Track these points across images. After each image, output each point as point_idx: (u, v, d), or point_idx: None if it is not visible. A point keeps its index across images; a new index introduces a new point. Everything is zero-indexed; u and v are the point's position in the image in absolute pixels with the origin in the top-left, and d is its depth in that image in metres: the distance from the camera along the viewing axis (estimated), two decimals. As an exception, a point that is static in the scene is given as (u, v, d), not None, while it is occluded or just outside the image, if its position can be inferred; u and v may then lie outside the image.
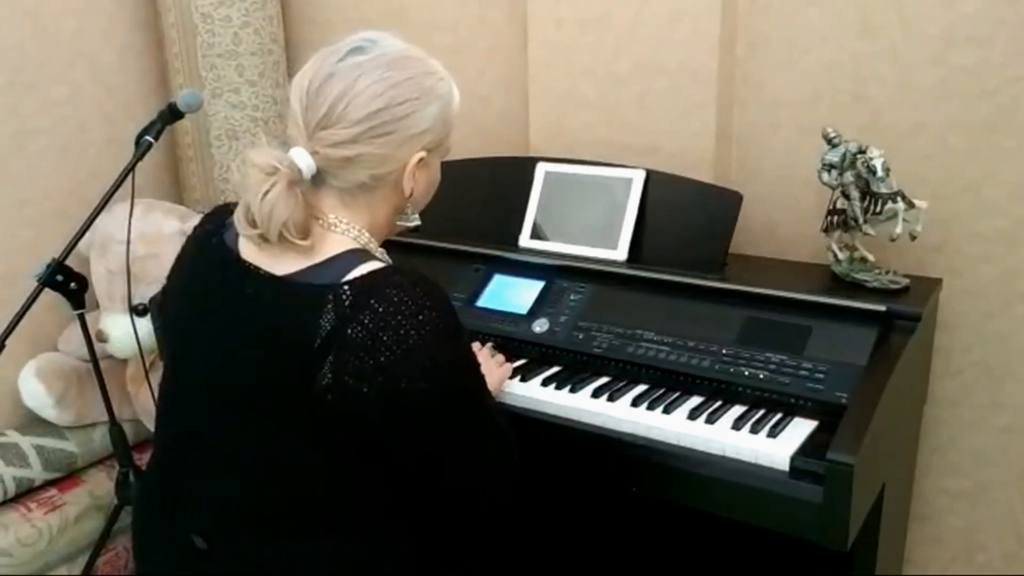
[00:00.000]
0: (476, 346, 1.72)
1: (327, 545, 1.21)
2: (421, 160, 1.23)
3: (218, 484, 1.23)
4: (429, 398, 1.14)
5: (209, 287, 1.25)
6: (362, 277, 1.14)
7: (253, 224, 1.16)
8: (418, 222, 1.32)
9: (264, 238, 1.16)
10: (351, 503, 1.21)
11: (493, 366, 1.65)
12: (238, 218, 1.18)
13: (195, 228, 1.33)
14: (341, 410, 1.12)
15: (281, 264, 1.18)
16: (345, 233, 1.21)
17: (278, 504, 1.20)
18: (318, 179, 1.20)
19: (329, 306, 1.12)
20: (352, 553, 1.23)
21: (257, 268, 1.19)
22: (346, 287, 1.13)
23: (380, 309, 1.11)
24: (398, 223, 1.30)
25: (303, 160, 1.17)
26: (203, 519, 1.24)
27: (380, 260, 1.21)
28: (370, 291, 1.12)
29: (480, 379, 1.25)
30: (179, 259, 1.33)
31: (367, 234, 1.24)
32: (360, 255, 1.19)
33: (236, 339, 1.19)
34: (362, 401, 1.11)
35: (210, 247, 1.27)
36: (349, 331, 1.10)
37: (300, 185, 1.17)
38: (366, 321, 1.10)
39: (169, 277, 1.35)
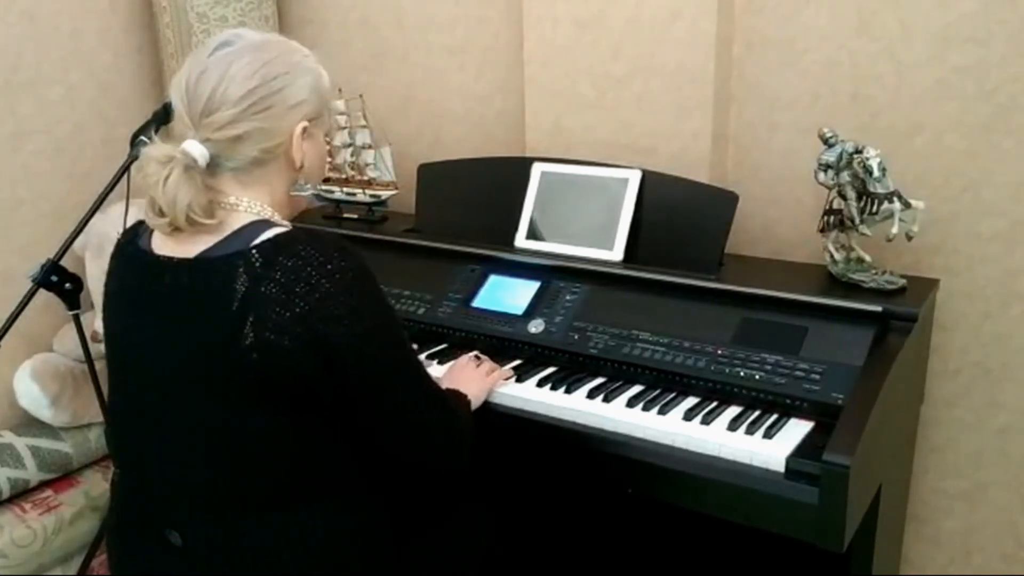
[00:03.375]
0: (464, 360, 1.73)
1: (296, 517, 1.26)
2: (305, 130, 1.30)
3: (180, 477, 1.27)
4: (348, 341, 1.20)
5: (132, 290, 1.32)
6: (269, 239, 1.22)
7: (160, 213, 1.22)
8: (311, 191, 1.41)
9: (173, 225, 1.22)
10: (303, 471, 1.26)
11: (478, 376, 1.66)
12: (146, 213, 1.25)
13: (114, 247, 1.39)
14: (268, 368, 1.18)
15: (191, 248, 1.25)
16: (248, 210, 1.28)
17: (238, 481, 1.24)
18: (213, 165, 1.26)
19: (241, 270, 1.19)
20: (316, 526, 1.27)
21: (170, 258, 1.26)
22: (254, 250, 1.21)
23: (290, 264, 1.18)
24: (292, 193, 1.37)
25: (196, 149, 1.23)
26: (175, 515, 1.28)
27: (283, 226, 1.29)
28: (278, 249, 1.20)
29: (398, 328, 1.31)
30: (107, 278, 1.39)
31: (269, 209, 1.30)
32: (263, 224, 1.26)
33: (165, 329, 1.25)
34: (286, 355, 1.17)
35: (126, 255, 1.34)
36: (263, 289, 1.17)
37: (199, 174, 1.23)
38: (278, 277, 1.18)
39: (103, 296, 1.40)
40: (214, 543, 1.26)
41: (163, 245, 1.27)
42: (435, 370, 1.74)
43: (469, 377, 1.65)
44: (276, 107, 1.25)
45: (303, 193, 1.39)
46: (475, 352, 1.77)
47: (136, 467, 1.35)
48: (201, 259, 1.23)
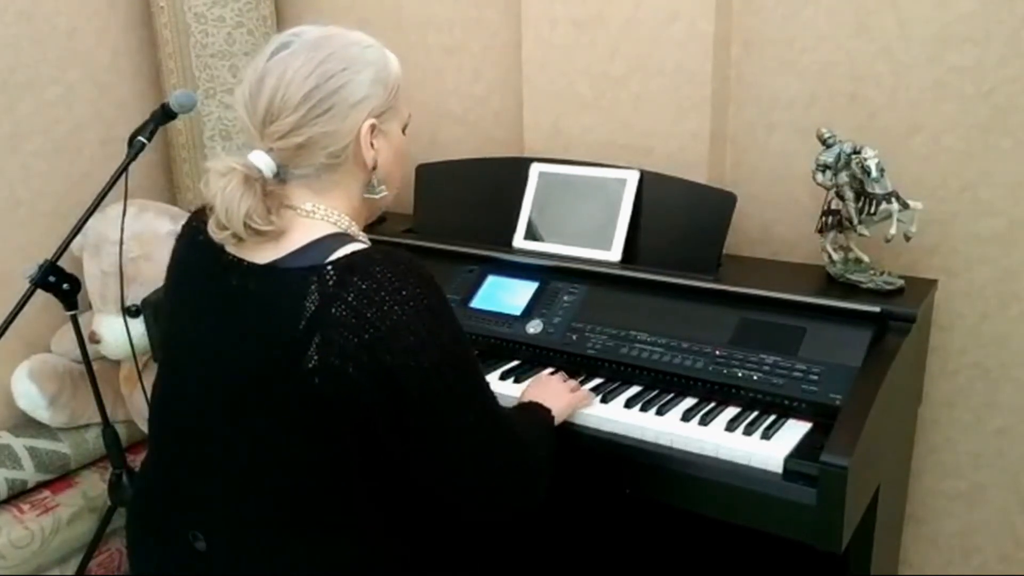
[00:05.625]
0: (546, 373, 1.68)
1: (325, 545, 1.21)
2: (374, 128, 1.23)
3: (215, 483, 1.23)
4: (414, 374, 1.12)
5: (198, 284, 1.27)
6: (345, 257, 1.15)
7: (223, 227, 1.18)
8: (385, 193, 1.30)
9: (236, 236, 1.17)
10: (345, 500, 1.20)
11: (563, 390, 1.58)
12: (211, 226, 1.20)
13: (183, 227, 1.34)
14: (329, 394, 1.12)
15: (264, 253, 1.20)
16: (325, 219, 1.22)
17: (274, 501, 1.20)
18: (283, 174, 1.22)
19: (313, 287, 1.13)
20: (349, 553, 1.22)
21: (241, 260, 1.21)
22: (329, 267, 1.14)
23: (363, 286, 1.11)
24: (365, 196, 1.28)
25: (261, 160, 1.19)
26: (203, 519, 1.24)
27: (362, 242, 1.22)
28: (353, 269, 1.13)
29: (471, 362, 1.23)
30: (172, 258, 1.34)
31: (346, 218, 1.25)
32: (342, 238, 1.20)
33: (226, 333, 1.20)
34: (349, 383, 1.11)
35: (196, 245, 1.28)
36: (333, 310, 1.11)
37: (262, 182, 1.18)
38: (350, 299, 1.11)
39: (165, 280, 1.36)
40: (236, 557, 1.22)
41: (234, 245, 1.21)
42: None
43: (556, 391, 1.56)
44: (337, 107, 1.18)
45: (375, 196, 1.27)
46: (552, 369, 1.74)
47: (170, 462, 1.31)
48: (273, 268, 1.18)
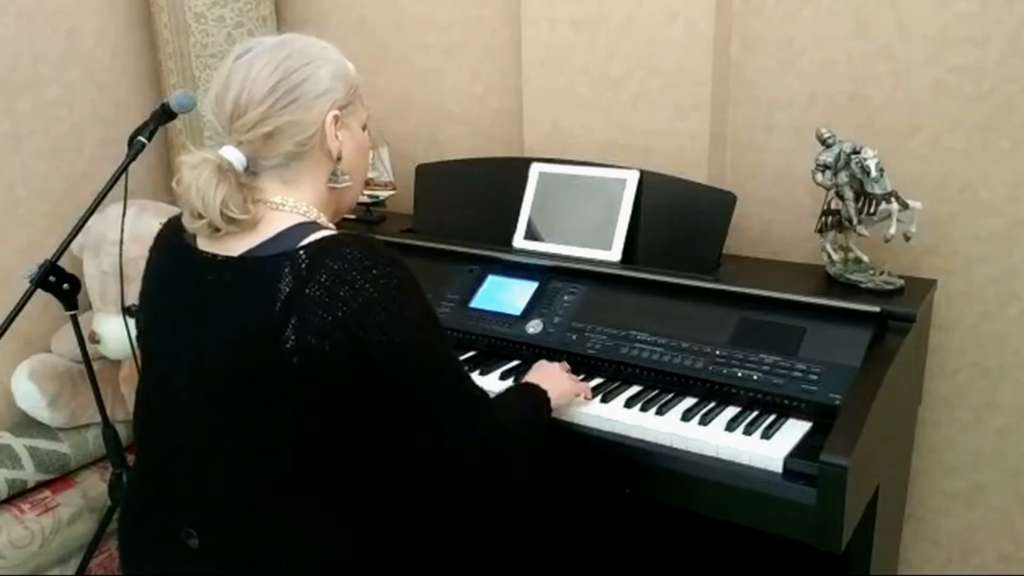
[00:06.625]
0: (554, 365, 1.66)
1: (318, 540, 1.22)
2: (337, 119, 1.29)
3: (205, 478, 1.24)
4: (386, 350, 1.17)
5: (174, 285, 1.30)
6: (317, 241, 1.20)
7: (198, 216, 1.21)
8: (349, 183, 1.35)
9: (212, 226, 1.21)
10: (337, 493, 1.23)
11: (563, 377, 1.61)
12: (185, 219, 1.24)
13: (155, 238, 1.38)
14: (308, 375, 1.16)
15: (236, 246, 1.23)
16: (293, 210, 1.26)
17: (264, 494, 1.21)
18: (253, 167, 1.26)
19: (286, 270, 1.17)
20: (343, 548, 1.24)
21: (214, 255, 1.24)
22: (301, 251, 1.19)
23: (335, 267, 1.16)
24: (328, 186, 1.32)
25: (232, 154, 1.24)
26: (195, 516, 1.25)
27: (330, 230, 1.26)
28: (325, 252, 1.18)
29: (442, 339, 1.27)
30: (146, 268, 1.38)
31: (315, 209, 1.29)
32: (311, 226, 1.25)
33: (204, 328, 1.23)
34: (325, 361, 1.15)
35: (170, 248, 1.32)
36: (307, 291, 1.15)
37: (233, 175, 1.22)
38: (323, 279, 1.15)
39: (141, 288, 1.38)
40: (229, 553, 1.23)
41: (207, 242, 1.25)
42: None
43: (556, 377, 1.58)
44: (302, 99, 1.24)
45: (339, 185, 1.33)
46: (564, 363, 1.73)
47: (159, 462, 1.32)
48: (246, 258, 1.22)
